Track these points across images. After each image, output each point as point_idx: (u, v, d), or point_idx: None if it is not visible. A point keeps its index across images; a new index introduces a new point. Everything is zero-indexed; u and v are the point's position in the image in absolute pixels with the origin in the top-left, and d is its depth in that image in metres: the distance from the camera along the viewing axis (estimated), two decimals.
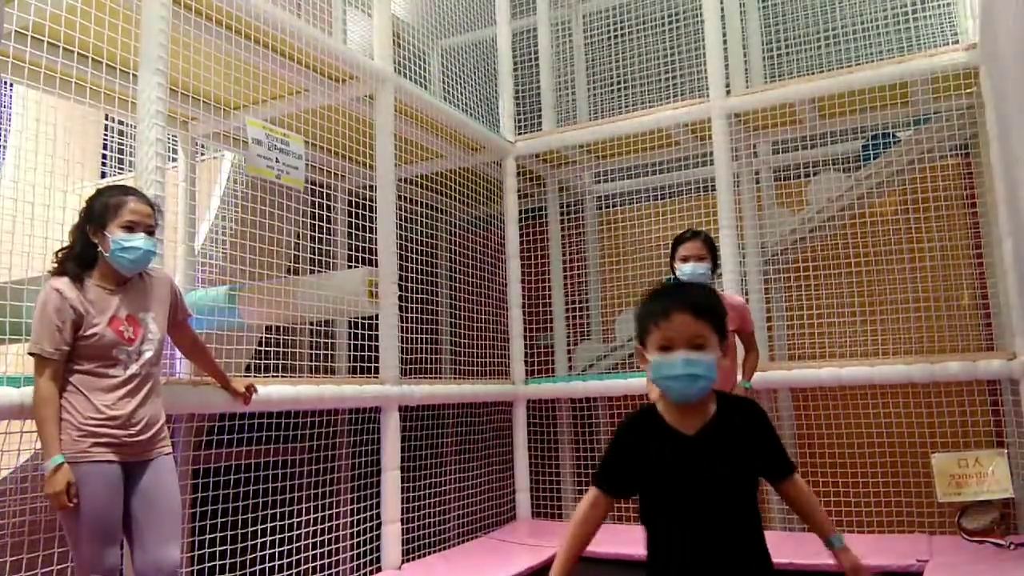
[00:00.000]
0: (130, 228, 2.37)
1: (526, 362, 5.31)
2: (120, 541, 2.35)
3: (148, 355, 2.45)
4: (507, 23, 5.56)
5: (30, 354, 2.29)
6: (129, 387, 2.38)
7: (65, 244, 2.48)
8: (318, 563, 3.73)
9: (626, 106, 5.73)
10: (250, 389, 2.99)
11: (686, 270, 3.21)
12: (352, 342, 4.60)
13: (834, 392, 4.74)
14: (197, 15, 3.22)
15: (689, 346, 1.61)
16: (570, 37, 6.09)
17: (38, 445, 2.33)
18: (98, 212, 2.37)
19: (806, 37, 5.31)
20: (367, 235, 4.28)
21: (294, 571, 3.54)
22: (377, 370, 3.97)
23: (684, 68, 5.50)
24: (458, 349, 5.14)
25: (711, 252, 3.26)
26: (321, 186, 4.20)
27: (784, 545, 4.08)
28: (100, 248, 2.37)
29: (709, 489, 1.63)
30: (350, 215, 4.77)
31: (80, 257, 2.39)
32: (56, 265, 2.41)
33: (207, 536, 3.42)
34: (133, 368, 2.39)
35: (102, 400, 2.31)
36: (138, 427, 2.38)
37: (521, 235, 5.46)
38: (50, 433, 2.24)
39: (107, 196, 2.41)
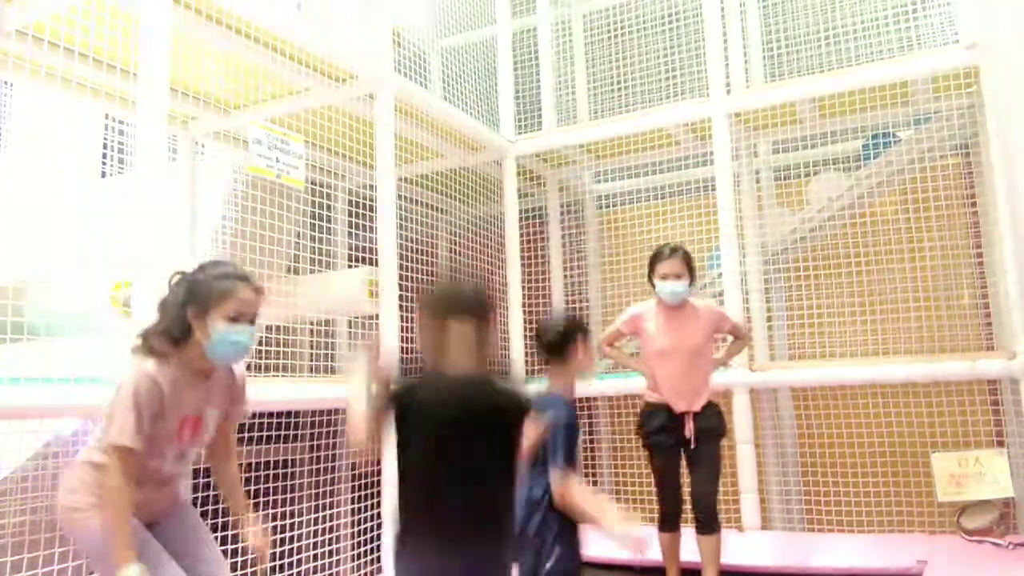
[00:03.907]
0: (235, 319, 2.14)
1: (526, 362, 5.31)
2: None
3: (190, 455, 2.28)
4: (507, 23, 5.56)
5: (111, 445, 2.04)
6: (157, 481, 2.20)
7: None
8: (318, 563, 3.73)
9: (626, 106, 5.73)
10: (261, 550, 2.37)
11: (666, 288, 3.34)
12: (352, 342, 4.60)
13: (834, 392, 4.74)
14: (197, 15, 3.22)
15: None
16: (570, 37, 6.08)
17: (37, 446, 2.32)
18: (203, 295, 2.14)
19: (806, 36, 5.31)
20: (367, 235, 4.27)
21: (294, 571, 3.54)
22: None
23: (684, 67, 5.49)
24: None
25: (689, 268, 3.37)
26: (321, 186, 4.20)
27: (784, 546, 4.08)
28: (198, 334, 2.14)
29: None
30: (350, 215, 4.77)
31: (171, 336, 2.14)
32: (143, 340, 2.16)
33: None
34: (169, 467, 2.20)
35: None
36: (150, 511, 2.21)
37: (521, 235, 5.45)
38: (123, 536, 1.99)
39: (214, 279, 2.16)
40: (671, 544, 3.36)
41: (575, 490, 2.27)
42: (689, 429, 3.28)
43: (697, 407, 3.31)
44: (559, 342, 2.64)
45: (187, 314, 2.13)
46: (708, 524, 3.28)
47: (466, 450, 1.84)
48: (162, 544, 2.16)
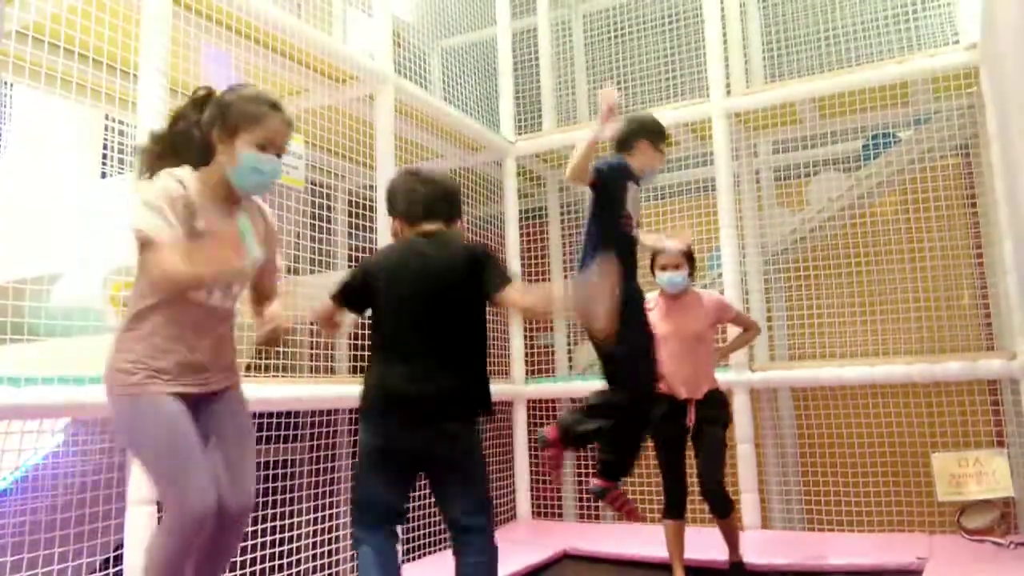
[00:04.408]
0: (264, 147, 2.00)
1: (526, 362, 5.31)
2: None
3: (235, 288, 2.06)
4: (507, 23, 5.56)
5: (144, 238, 1.83)
6: (202, 321, 1.99)
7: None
8: (318, 563, 3.73)
9: (626, 106, 5.73)
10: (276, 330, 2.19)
11: (664, 279, 3.47)
12: (352, 342, 4.60)
13: (834, 392, 4.74)
14: (197, 15, 3.22)
15: None
16: (570, 37, 6.09)
17: (38, 445, 2.30)
18: (232, 116, 1.98)
19: (806, 37, 5.31)
20: (367, 235, 4.27)
21: (294, 571, 3.54)
22: None
23: (684, 68, 5.50)
24: None
25: (688, 259, 3.47)
26: (321, 186, 4.20)
27: (784, 546, 4.08)
28: (222, 157, 1.99)
29: None
30: (350, 215, 4.78)
31: (192, 151, 2.00)
32: (157, 146, 2.02)
33: None
34: (215, 299, 2.00)
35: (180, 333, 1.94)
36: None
37: (521, 235, 5.46)
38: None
39: (246, 102, 2.01)
40: (676, 533, 3.41)
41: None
42: (691, 417, 3.34)
43: (699, 394, 3.38)
44: (622, 139, 3.04)
45: (212, 134, 1.99)
46: (720, 508, 3.36)
47: (427, 299, 2.03)
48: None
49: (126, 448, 2.02)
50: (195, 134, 2.01)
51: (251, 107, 2.00)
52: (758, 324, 3.97)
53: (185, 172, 1.95)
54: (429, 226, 2.06)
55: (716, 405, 3.44)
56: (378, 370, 2.12)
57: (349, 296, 2.17)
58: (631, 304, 2.89)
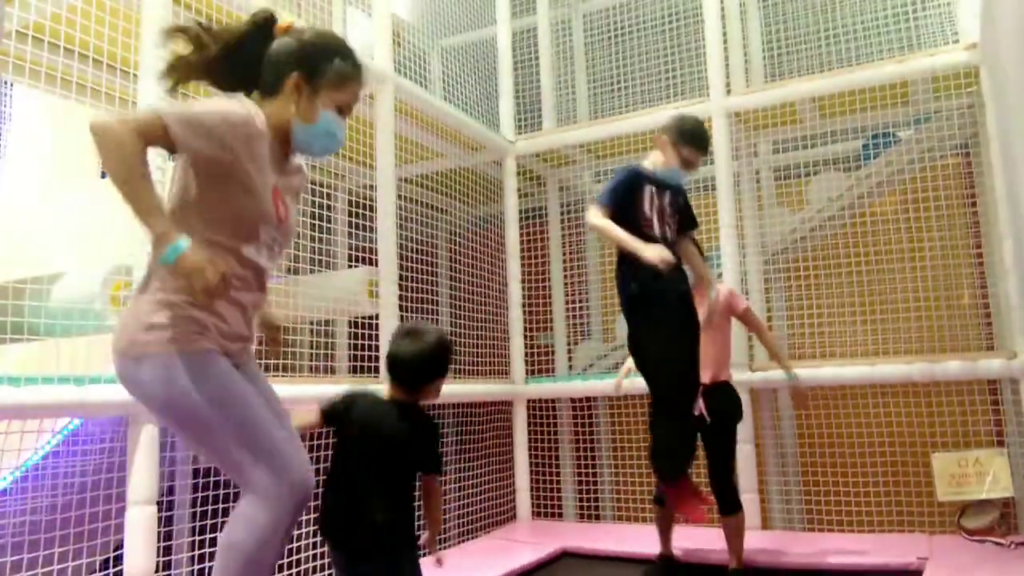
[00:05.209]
0: (343, 110, 1.78)
1: (526, 362, 5.32)
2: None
3: (279, 248, 1.84)
4: (507, 23, 5.56)
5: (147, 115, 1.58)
6: (247, 284, 1.76)
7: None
8: (318, 563, 3.73)
9: (626, 106, 5.73)
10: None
11: None
12: (352, 342, 4.60)
13: (834, 392, 4.74)
14: (197, 15, 3.22)
15: None
16: (570, 37, 6.09)
17: (38, 444, 2.29)
18: (322, 66, 1.73)
19: (806, 36, 5.31)
20: (367, 235, 4.27)
21: (294, 571, 3.54)
22: (377, 370, 3.97)
23: (684, 67, 5.50)
24: (458, 349, 5.14)
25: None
26: (321, 186, 4.20)
27: (784, 546, 4.08)
28: (290, 107, 1.72)
29: None
30: (350, 215, 4.77)
31: (246, 81, 1.74)
32: (206, 54, 1.77)
33: (208, 536, 3.42)
34: (263, 259, 1.77)
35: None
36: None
37: (521, 235, 5.46)
38: (149, 198, 1.51)
39: (338, 55, 1.76)
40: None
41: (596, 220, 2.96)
42: (699, 405, 3.28)
43: (705, 379, 3.34)
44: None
45: (287, 78, 1.71)
46: (727, 506, 3.40)
47: (360, 465, 2.21)
48: None
49: (172, 419, 1.68)
50: (257, 63, 1.74)
51: (347, 65, 1.76)
52: (764, 326, 3.97)
53: (254, 106, 1.67)
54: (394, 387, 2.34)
55: (726, 401, 3.47)
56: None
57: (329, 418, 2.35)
58: (657, 300, 2.97)
